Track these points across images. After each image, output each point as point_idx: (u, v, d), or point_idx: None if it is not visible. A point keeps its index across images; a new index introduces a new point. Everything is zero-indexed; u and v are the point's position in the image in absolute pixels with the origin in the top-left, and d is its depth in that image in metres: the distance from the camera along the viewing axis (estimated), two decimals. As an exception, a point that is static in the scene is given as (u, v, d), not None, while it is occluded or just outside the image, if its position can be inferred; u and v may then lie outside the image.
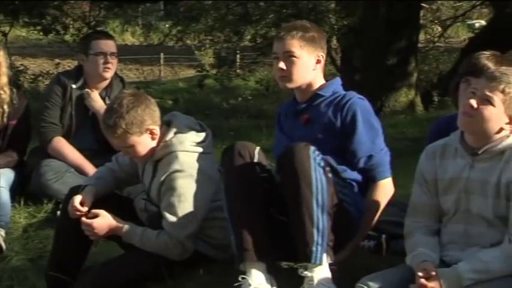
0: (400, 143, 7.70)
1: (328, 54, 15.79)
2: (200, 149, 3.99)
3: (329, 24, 12.67)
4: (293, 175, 3.54)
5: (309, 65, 3.90)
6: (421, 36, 15.04)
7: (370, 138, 3.85)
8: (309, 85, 3.94)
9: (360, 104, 3.89)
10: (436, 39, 17.29)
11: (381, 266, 3.60)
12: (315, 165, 3.55)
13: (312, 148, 3.58)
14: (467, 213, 3.35)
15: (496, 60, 3.89)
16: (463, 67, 4.04)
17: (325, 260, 3.53)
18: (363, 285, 3.24)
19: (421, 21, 13.92)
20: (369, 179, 3.88)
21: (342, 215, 3.70)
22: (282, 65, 3.86)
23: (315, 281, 3.48)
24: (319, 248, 3.51)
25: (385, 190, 3.91)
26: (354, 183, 3.85)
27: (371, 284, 3.24)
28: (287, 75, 3.88)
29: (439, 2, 16.76)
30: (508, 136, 3.30)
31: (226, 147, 3.81)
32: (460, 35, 19.79)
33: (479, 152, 3.31)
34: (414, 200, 3.50)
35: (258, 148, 3.76)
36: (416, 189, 3.50)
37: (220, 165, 3.79)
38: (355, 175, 3.86)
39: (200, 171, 3.92)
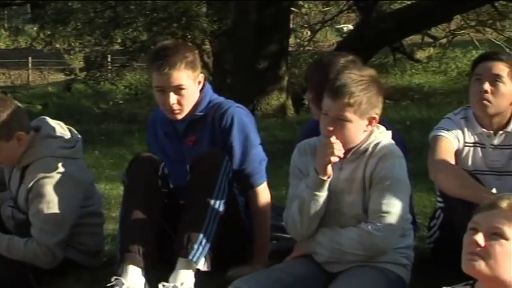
0: (272, 146, 7.77)
1: (200, 58, 15.88)
2: (69, 155, 3.92)
3: (200, 28, 12.70)
4: (200, 175, 3.62)
5: (196, 91, 3.85)
6: (292, 40, 15.28)
7: (243, 151, 3.86)
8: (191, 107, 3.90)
9: (237, 115, 3.87)
10: (305, 43, 17.60)
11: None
12: (224, 174, 3.63)
13: (227, 158, 3.68)
14: (338, 213, 3.43)
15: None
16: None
17: (201, 263, 3.54)
18: (236, 288, 3.25)
19: (291, 26, 14.14)
20: (246, 188, 3.91)
21: (240, 232, 3.80)
22: (173, 99, 3.74)
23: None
24: (201, 248, 3.53)
25: (261, 196, 3.92)
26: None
27: (244, 286, 3.25)
28: (181, 109, 3.80)
29: (308, 7, 17.09)
30: (369, 135, 3.42)
31: (134, 157, 3.84)
32: (329, 39, 20.22)
33: (348, 156, 3.41)
34: (292, 193, 3.55)
35: (163, 163, 3.77)
36: (294, 183, 3.54)
37: (125, 173, 3.78)
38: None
39: (69, 177, 3.85)
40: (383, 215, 3.32)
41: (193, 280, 3.55)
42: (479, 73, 3.84)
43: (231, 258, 3.78)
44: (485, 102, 3.80)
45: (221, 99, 3.95)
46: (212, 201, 3.60)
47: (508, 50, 10.83)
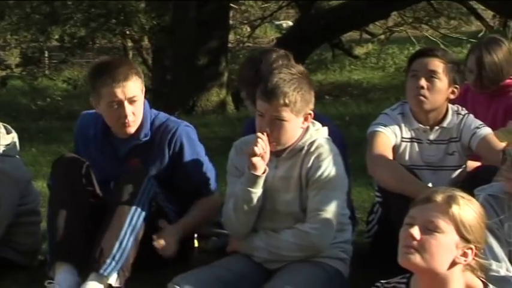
0: (212, 142, 7.74)
1: (140, 54, 15.77)
2: (4, 153, 3.86)
3: (139, 24, 12.60)
4: (120, 191, 3.61)
5: (142, 103, 3.80)
6: (231, 37, 15.28)
7: (196, 169, 3.86)
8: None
9: (186, 136, 3.86)
10: (245, 39, 17.61)
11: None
12: (144, 191, 3.61)
13: (150, 176, 3.68)
14: (273, 211, 3.45)
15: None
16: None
17: (113, 278, 3.50)
18: (175, 285, 3.24)
19: (231, 22, 14.14)
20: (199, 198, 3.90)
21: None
22: (129, 110, 3.69)
23: None
24: (113, 263, 3.50)
25: (211, 201, 3.90)
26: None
27: (183, 283, 3.24)
28: (135, 121, 3.75)
29: (247, 3, 17.10)
30: (305, 133, 3.45)
31: (58, 158, 3.81)
32: (268, 35, 20.27)
33: (284, 154, 3.43)
34: (229, 190, 3.55)
35: (87, 163, 3.74)
36: (231, 180, 3.56)
37: (51, 174, 3.75)
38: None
39: (5, 175, 3.79)
40: (320, 213, 3.35)
41: None
42: (416, 69, 3.90)
43: (168, 261, 3.75)
44: (421, 98, 3.86)
45: (163, 116, 3.90)
46: (129, 217, 3.57)
47: (443, 47, 11.00)
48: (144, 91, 3.80)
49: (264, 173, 3.37)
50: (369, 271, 3.60)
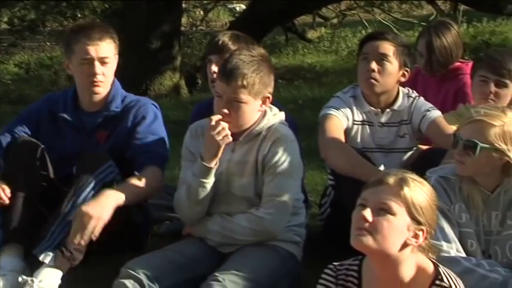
0: (165, 126, 7.72)
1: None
2: None
3: (90, 7, 12.46)
4: (77, 171, 3.64)
5: (113, 69, 3.86)
6: (184, 20, 15.18)
7: (151, 139, 3.84)
8: (106, 96, 3.86)
9: (152, 110, 3.89)
10: (198, 23, 17.52)
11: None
12: (100, 175, 3.59)
13: (109, 163, 3.65)
14: (229, 195, 3.45)
15: (234, 38, 3.96)
16: (207, 47, 4.15)
17: (48, 257, 3.46)
18: (128, 270, 3.23)
19: (184, 5, 14.04)
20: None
21: (130, 225, 3.77)
22: (99, 69, 3.75)
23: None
24: (49, 242, 3.48)
25: (151, 175, 3.76)
26: None
27: (136, 267, 3.23)
28: (104, 82, 3.79)
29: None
30: (262, 117, 3.44)
31: (12, 141, 3.80)
32: (222, 19, 20.18)
33: (241, 138, 3.42)
34: (183, 175, 3.53)
35: (42, 146, 3.72)
36: (185, 165, 3.54)
37: (4, 158, 3.74)
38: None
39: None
40: (275, 199, 3.36)
41: (55, 278, 3.46)
42: (367, 52, 3.92)
43: (124, 246, 3.76)
44: (372, 81, 3.88)
45: (134, 96, 3.97)
46: (76, 199, 3.55)
47: (395, 30, 11.06)
48: (117, 58, 3.87)
49: (216, 164, 3.37)
50: (322, 253, 3.63)
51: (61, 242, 3.49)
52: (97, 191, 3.57)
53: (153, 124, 3.87)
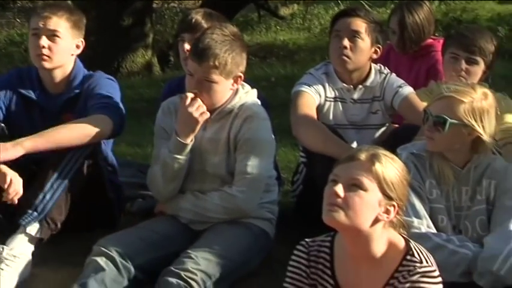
0: (137, 103, 7.68)
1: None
2: None
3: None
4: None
5: (69, 48, 3.80)
6: (156, -3, 15.07)
7: (103, 92, 3.76)
8: (64, 73, 3.82)
9: (105, 78, 3.85)
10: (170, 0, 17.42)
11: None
12: (76, 151, 3.52)
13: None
14: (202, 172, 3.45)
15: (206, 17, 3.94)
16: (179, 25, 4.13)
17: (34, 229, 3.45)
18: (100, 247, 3.23)
19: (155, -18, 13.93)
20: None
21: (104, 200, 3.75)
22: (45, 42, 3.71)
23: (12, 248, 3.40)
24: (35, 213, 3.45)
25: (95, 121, 3.61)
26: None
27: (108, 244, 3.24)
28: (50, 56, 3.74)
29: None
30: (234, 95, 3.44)
31: None
32: (194, -4, 20.10)
33: (212, 116, 3.41)
34: (156, 153, 3.53)
35: (2, 124, 3.71)
36: (158, 143, 3.54)
37: None
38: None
39: None
40: (247, 176, 3.37)
41: (27, 247, 3.44)
42: (339, 29, 3.92)
43: (97, 224, 3.74)
44: (344, 57, 3.88)
45: (91, 72, 3.93)
46: (56, 173, 3.50)
47: (368, 7, 11.08)
48: (79, 44, 3.83)
49: (191, 141, 3.36)
50: (294, 230, 3.64)
51: (45, 217, 3.47)
52: (78, 165, 3.54)
53: (106, 86, 3.80)
